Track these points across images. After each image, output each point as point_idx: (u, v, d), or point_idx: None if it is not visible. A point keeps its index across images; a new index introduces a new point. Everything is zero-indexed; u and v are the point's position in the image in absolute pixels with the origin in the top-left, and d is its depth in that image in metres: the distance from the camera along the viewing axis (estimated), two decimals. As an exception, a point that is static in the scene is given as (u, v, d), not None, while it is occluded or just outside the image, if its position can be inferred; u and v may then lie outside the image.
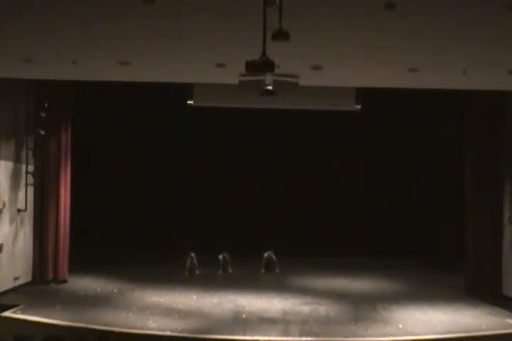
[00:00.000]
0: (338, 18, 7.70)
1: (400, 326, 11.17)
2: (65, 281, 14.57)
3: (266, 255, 16.31)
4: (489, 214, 14.16)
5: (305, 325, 11.10)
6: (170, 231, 17.87)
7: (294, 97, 12.42)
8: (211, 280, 15.20)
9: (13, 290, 13.46)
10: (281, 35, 6.72)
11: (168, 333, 10.38)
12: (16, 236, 13.80)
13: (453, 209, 16.48)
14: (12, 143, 13.73)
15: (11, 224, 13.60)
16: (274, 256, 16.28)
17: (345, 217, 18.70)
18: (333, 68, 10.39)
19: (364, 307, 12.65)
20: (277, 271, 16.25)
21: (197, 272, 15.93)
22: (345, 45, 8.89)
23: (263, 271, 16.27)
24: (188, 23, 7.96)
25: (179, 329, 10.60)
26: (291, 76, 10.37)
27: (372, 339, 10.44)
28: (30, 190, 14.37)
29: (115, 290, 13.87)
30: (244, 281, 15.03)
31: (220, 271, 16.04)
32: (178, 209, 18.48)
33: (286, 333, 10.65)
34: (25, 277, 14.18)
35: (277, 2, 6.61)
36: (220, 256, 16.12)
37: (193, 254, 15.96)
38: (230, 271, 16.09)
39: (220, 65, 10.10)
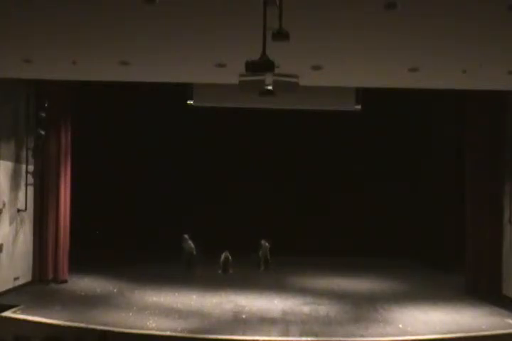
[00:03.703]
0: (338, 18, 7.70)
1: (400, 326, 11.18)
2: (65, 281, 14.57)
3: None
4: (489, 214, 14.17)
5: (305, 325, 11.11)
6: (170, 232, 17.84)
7: (294, 97, 12.42)
8: (211, 280, 15.20)
9: (13, 290, 13.46)
10: (281, 35, 6.72)
11: (168, 333, 10.39)
12: (16, 236, 13.80)
13: (453, 209, 16.48)
14: (12, 143, 13.73)
15: (10, 224, 13.60)
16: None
17: (345, 216, 18.70)
18: (333, 68, 10.39)
19: (364, 307, 12.65)
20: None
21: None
22: (345, 45, 8.88)
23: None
24: (188, 23, 7.96)
25: (179, 329, 10.61)
26: (291, 76, 10.40)
27: (372, 339, 10.44)
28: (30, 190, 14.37)
29: (115, 290, 13.87)
30: (244, 281, 15.03)
31: (221, 271, 16.05)
32: (178, 209, 18.47)
33: (286, 333, 10.65)
34: (25, 277, 14.18)
35: (277, 2, 6.61)
36: (222, 256, 16.13)
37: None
38: (231, 271, 16.10)
39: (220, 65, 10.10)
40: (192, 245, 16.31)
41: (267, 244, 16.66)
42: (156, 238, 17.90)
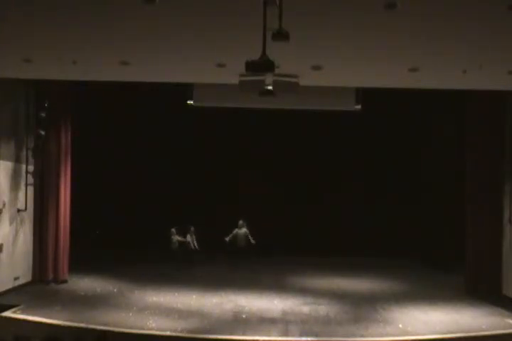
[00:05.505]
0: (338, 18, 7.70)
1: (400, 326, 11.18)
2: (65, 281, 14.57)
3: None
4: (489, 214, 14.16)
5: (305, 325, 11.11)
6: (170, 231, 17.84)
7: (294, 97, 12.42)
8: (211, 280, 15.19)
9: (13, 290, 13.47)
10: (281, 35, 6.72)
11: (168, 333, 10.39)
12: (16, 236, 13.80)
13: (453, 209, 16.47)
14: (12, 143, 13.73)
15: (11, 224, 13.60)
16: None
17: (345, 216, 18.70)
18: (333, 68, 10.39)
19: (364, 307, 12.65)
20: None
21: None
22: (345, 45, 8.89)
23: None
24: (188, 23, 7.96)
25: (179, 329, 10.62)
26: (291, 76, 10.40)
27: (372, 339, 10.45)
28: (30, 190, 14.37)
29: (115, 290, 13.88)
30: (244, 281, 15.03)
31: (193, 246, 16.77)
32: (178, 209, 18.46)
33: (286, 333, 10.66)
34: (25, 277, 14.18)
35: (277, 2, 6.61)
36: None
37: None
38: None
39: (220, 65, 10.10)
40: (179, 238, 16.78)
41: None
42: (156, 238, 17.89)
